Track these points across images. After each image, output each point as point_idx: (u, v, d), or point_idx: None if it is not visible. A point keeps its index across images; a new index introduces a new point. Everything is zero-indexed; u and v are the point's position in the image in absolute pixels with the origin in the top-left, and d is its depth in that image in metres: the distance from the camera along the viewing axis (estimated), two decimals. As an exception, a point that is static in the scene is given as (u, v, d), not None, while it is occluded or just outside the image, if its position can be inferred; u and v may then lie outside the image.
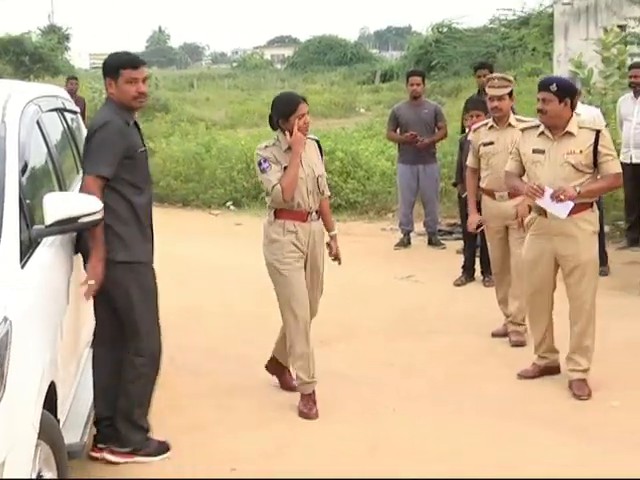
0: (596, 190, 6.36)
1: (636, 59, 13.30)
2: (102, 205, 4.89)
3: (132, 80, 5.24)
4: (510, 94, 7.61)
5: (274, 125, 6.13)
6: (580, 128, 6.19)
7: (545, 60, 30.85)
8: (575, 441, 5.60)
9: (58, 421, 4.47)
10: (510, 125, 7.53)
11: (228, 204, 14.22)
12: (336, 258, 6.48)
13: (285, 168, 6.00)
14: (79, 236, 5.19)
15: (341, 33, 56.96)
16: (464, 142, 9.02)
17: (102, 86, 12.39)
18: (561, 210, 6.01)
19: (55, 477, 4.29)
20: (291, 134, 5.98)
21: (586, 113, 9.84)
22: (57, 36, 51.19)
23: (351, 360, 7.09)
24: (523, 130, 6.55)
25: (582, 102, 10.16)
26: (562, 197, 5.94)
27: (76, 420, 4.96)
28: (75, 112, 6.99)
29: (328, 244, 6.42)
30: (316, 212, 6.19)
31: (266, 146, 6.15)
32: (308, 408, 6.04)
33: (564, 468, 5.21)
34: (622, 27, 16.82)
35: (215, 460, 5.42)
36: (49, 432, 4.19)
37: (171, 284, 9.48)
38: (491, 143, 7.54)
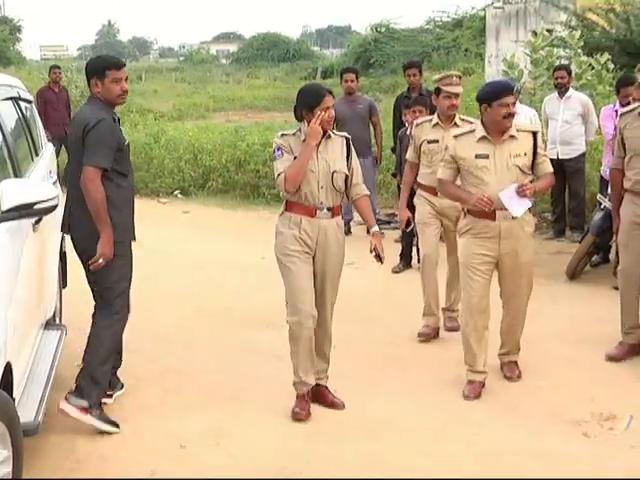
0: (543, 189, 6.33)
1: (562, 61, 13.48)
2: (57, 192, 4.85)
3: (117, 80, 5.50)
4: None
5: (298, 116, 5.75)
6: (518, 131, 5.92)
7: (477, 60, 31.13)
8: (506, 418, 5.70)
9: (13, 400, 4.43)
10: (455, 124, 7.24)
11: (176, 193, 14.14)
12: (376, 255, 5.76)
13: (296, 159, 5.62)
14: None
15: (284, 31, 57.02)
16: (403, 136, 9.04)
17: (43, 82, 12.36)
18: (519, 208, 5.75)
19: (10, 454, 4.27)
20: (324, 125, 5.59)
21: (525, 113, 10.02)
22: (9, 27, 50.40)
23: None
24: (456, 137, 6.06)
25: (520, 102, 10.32)
26: (527, 193, 5.71)
27: (31, 399, 4.91)
28: (29, 101, 6.90)
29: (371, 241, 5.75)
30: (329, 209, 5.65)
31: (283, 134, 5.81)
32: (300, 407, 5.66)
33: (498, 443, 5.31)
34: (550, 31, 17.02)
35: (165, 437, 5.41)
36: (5, 411, 4.18)
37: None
38: (436, 141, 7.23)
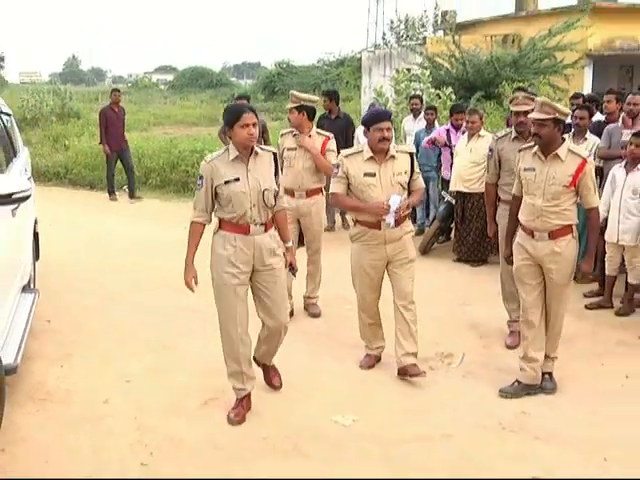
0: (417, 203, 5.67)
1: (417, 92, 13.67)
2: (31, 185, 4.74)
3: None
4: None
5: (224, 138, 4.83)
6: (398, 152, 5.28)
7: (355, 90, 31.18)
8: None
9: (-3, 346, 4.33)
10: (310, 137, 6.63)
11: (124, 187, 13.84)
12: (291, 269, 4.98)
13: (227, 182, 4.50)
14: None
15: (209, 65, 55.89)
16: None
17: (30, 97, 11.74)
18: (392, 221, 5.14)
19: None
20: (241, 144, 4.53)
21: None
22: (-6, 57, 48.55)
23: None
24: (347, 156, 5.32)
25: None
26: (402, 212, 5.17)
27: (11, 346, 4.77)
28: (9, 114, 6.69)
29: (284, 254, 4.85)
30: (262, 224, 4.63)
31: (212, 159, 4.61)
32: (234, 413, 4.68)
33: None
34: (408, 70, 17.21)
35: (114, 375, 5.34)
36: (-10, 354, 4.08)
37: (80, 246, 9.30)
38: (294, 149, 6.62)
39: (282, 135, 6.86)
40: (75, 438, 4.39)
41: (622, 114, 7.41)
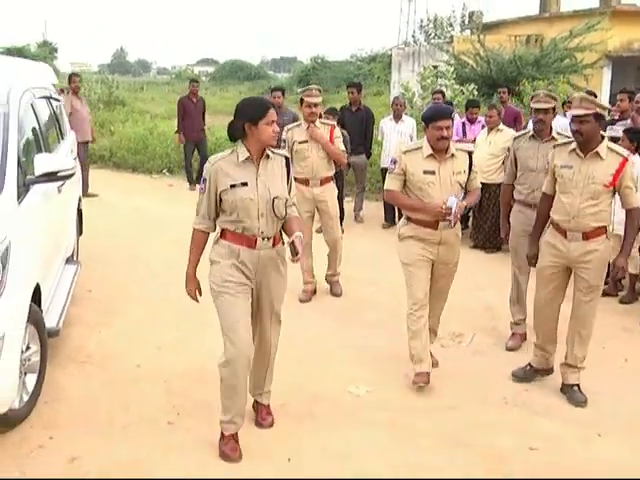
0: (473, 203, 5.13)
1: (442, 88, 13.65)
2: (75, 164, 4.86)
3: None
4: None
5: (238, 133, 3.88)
6: (457, 150, 4.80)
7: (385, 85, 31.10)
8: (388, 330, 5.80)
9: (41, 311, 4.47)
10: (317, 127, 6.56)
11: (164, 171, 14.00)
12: (292, 249, 3.78)
13: (233, 186, 3.80)
14: None
15: (248, 59, 56.10)
16: None
17: (80, 85, 11.72)
18: (452, 219, 4.67)
19: (38, 348, 4.33)
20: (262, 143, 3.84)
21: (408, 122, 10.09)
22: (48, 49, 48.98)
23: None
24: (405, 152, 4.79)
25: (405, 114, 10.42)
26: (459, 213, 4.69)
27: (54, 311, 4.93)
28: (58, 100, 6.83)
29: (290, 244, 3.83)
30: (269, 238, 3.91)
31: (216, 161, 3.89)
32: (229, 448, 3.94)
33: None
34: (435, 67, 17.18)
35: (146, 343, 5.47)
36: (35, 318, 4.23)
37: (121, 223, 9.47)
38: (305, 141, 6.51)
39: (288, 130, 6.64)
40: (109, 397, 4.53)
41: (632, 112, 7.39)
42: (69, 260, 6.11)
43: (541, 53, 15.85)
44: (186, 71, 55.81)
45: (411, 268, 4.88)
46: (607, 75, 17.35)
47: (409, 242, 4.87)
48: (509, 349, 5.66)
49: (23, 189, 4.37)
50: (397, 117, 9.99)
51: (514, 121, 9.65)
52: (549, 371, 5.06)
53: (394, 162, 4.83)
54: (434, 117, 4.67)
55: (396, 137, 9.87)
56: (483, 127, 8.78)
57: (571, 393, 4.81)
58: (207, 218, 3.96)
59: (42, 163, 4.53)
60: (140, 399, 4.53)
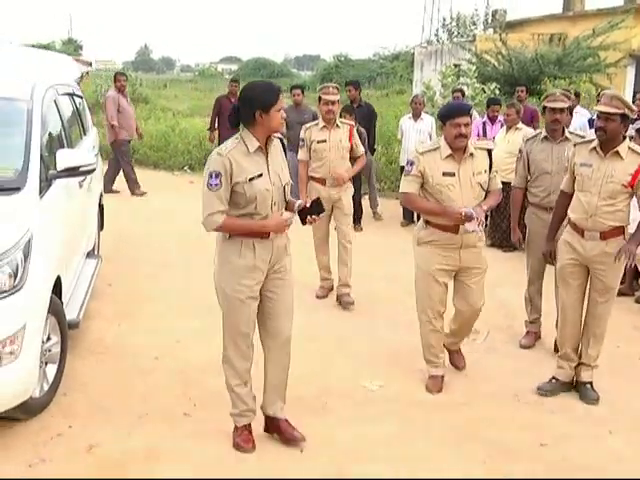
0: (493, 206, 4.86)
1: (464, 87, 13.65)
2: (96, 160, 4.97)
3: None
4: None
5: (246, 119, 3.64)
6: (476, 149, 4.61)
7: (407, 83, 31.10)
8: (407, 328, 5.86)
9: (62, 303, 4.57)
10: (337, 126, 6.47)
11: (185, 168, 14.14)
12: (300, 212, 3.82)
13: (251, 179, 3.60)
14: None
15: (271, 56, 56.24)
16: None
17: (104, 82, 11.92)
18: (474, 226, 4.47)
19: (59, 339, 4.44)
20: (271, 130, 3.67)
21: (428, 119, 10.13)
22: (73, 46, 49.53)
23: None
24: (422, 153, 4.60)
25: (425, 112, 10.45)
26: (481, 216, 4.49)
27: (75, 303, 5.04)
28: (81, 97, 6.95)
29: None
30: None
31: (220, 152, 3.61)
32: (242, 439, 3.97)
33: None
34: (457, 65, 17.16)
35: (165, 335, 5.56)
36: (56, 309, 4.34)
37: (142, 220, 9.60)
38: (324, 141, 6.42)
39: (307, 129, 6.53)
40: (127, 388, 4.63)
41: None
42: (90, 254, 6.23)
43: (564, 52, 15.80)
44: (209, 69, 56.15)
45: (429, 279, 4.69)
46: (631, 74, 17.22)
47: (428, 248, 4.67)
48: (522, 347, 5.67)
49: (45, 184, 4.49)
50: (416, 115, 10.04)
51: (531, 120, 9.63)
52: (573, 385, 4.92)
53: (411, 163, 4.63)
54: (451, 114, 4.51)
55: (415, 135, 9.93)
56: (502, 126, 8.80)
57: (584, 391, 4.81)
58: (224, 206, 3.64)
59: (64, 158, 4.65)
60: (157, 390, 4.63)
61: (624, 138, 4.51)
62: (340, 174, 6.40)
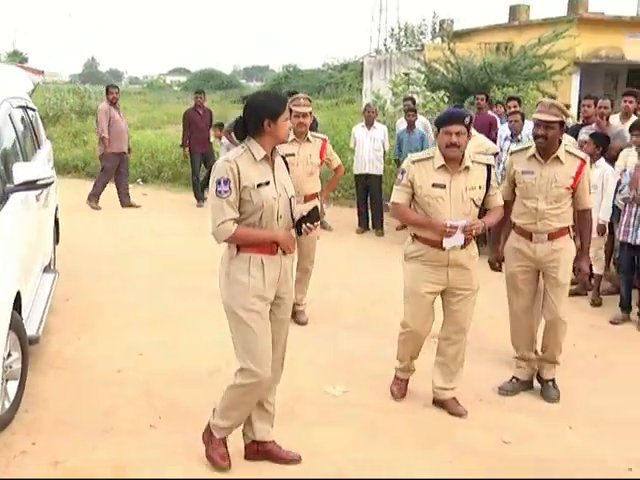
0: (493, 224, 4.60)
1: (414, 95, 13.83)
2: (53, 173, 4.92)
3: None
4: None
5: (252, 131, 3.55)
6: (473, 162, 4.37)
7: (357, 93, 31.33)
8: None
9: (22, 318, 4.51)
10: (308, 140, 6.16)
11: (138, 180, 14.01)
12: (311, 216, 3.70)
13: (259, 185, 3.49)
14: None
15: (220, 67, 56.13)
16: None
17: (52, 96, 11.74)
18: (459, 241, 4.28)
19: (20, 355, 4.37)
20: (278, 140, 3.60)
21: (381, 128, 10.23)
22: (19, 58, 48.68)
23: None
24: (414, 162, 4.40)
25: (378, 120, 10.57)
26: (474, 233, 4.29)
27: (34, 319, 4.96)
28: (34, 109, 6.86)
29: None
30: None
31: (227, 160, 3.50)
32: (219, 455, 3.83)
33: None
34: (407, 74, 17.38)
35: (126, 348, 5.52)
36: (16, 325, 4.27)
37: (96, 232, 9.50)
38: (292, 155, 5.67)
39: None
40: (90, 402, 4.57)
41: (596, 117, 7.67)
42: (47, 269, 6.14)
43: (511, 60, 16.09)
44: (158, 80, 55.73)
45: (414, 298, 4.52)
46: (576, 81, 17.68)
47: (415, 265, 4.47)
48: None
49: (2, 197, 4.43)
50: (369, 124, 10.17)
51: (489, 127, 9.81)
52: (533, 383, 5.03)
53: (402, 172, 4.46)
54: (445, 121, 4.31)
55: (369, 144, 10.05)
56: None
57: (546, 388, 4.91)
58: (236, 213, 3.50)
59: (21, 172, 4.58)
60: (121, 403, 4.58)
61: (560, 142, 4.68)
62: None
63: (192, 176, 12.25)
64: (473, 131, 8.41)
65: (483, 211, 4.51)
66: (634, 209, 6.33)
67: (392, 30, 30.37)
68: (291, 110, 5.96)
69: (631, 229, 6.36)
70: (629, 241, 6.40)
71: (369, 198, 10.29)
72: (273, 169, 3.63)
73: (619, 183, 6.72)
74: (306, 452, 4.02)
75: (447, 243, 4.29)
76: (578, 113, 8.88)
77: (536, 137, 4.63)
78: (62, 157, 14.89)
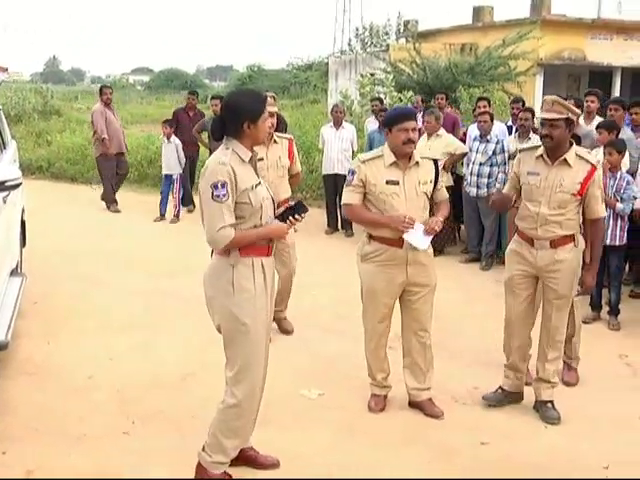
0: (446, 216, 4.56)
1: (381, 95, 13.87)
2: (20, 174, 4.82)
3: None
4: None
5: (232, 133, 3.44)
6: (422, 158, 4.38)
7: (322, 93, 31.34)
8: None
9: (-11, 324, 4.41)
10: (275, 142, 5.81)
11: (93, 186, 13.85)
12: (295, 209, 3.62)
13: (255, 186, 3.43)
14: None
15: (183, 67, 55.71)
16: None
17: (14, 95, 11.52)
18: (425, 242, 4.29)
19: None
20: (258, 142, 3.53)
21: (349, 128, 10.22)
22: (-24, 57, 47.81)
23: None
24: (365, 161, 4.38)
25: (345, 120, 10.56)
26: (437, 228, 4.26)
27: (1, 325, 4.84)
28: (-3, 108, 6.73)
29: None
30: (271, 241, 3.57)
31: (222, 162, 3.34)
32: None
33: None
34: (372, 74, 17.43)
35: (97, 352, 5.42)
36: (-16, 330, 4.16)
37: (63, 233, 9.35)
38: (261, 159, 5.14)
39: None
40: (62, 408, 4.49)
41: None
42: (14, 272, 6.01)
43: (476, 61, 16.26)
44: (121, 80, 55.18)
45: (373, 297, 4.46)
46: (539, 82, 17.93)
47: (372, 266, 4.40)
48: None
49: (-31, 200, 4.32)
50: (337, 124, 10.15)
51: (452, 127, 9.86)
52: (521, 396, 4.79)
53: (352, 173, 4.42)
54: (399, 119, 4.28)
55: (338, 144, 10.03)
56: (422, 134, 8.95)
57: (545, 410, 4.59)
58: (233, 218, 3.37)
59: (-13, 174, 4.48)
60: (93, 409, 4.50)
61: (571, 144, 4.37)
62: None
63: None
64: (442, 131, 8.64)
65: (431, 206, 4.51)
66: None
67: (357, 30, 30.46)
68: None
69: None
70: None
71: (338, 198, 10.27)
72: (255, 170, 3.54)
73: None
74: (284, 456, 3.98)
75: (408, 238, 4.23)
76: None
77: (542, 137, 4.37)
78: (26, 157, 14.62)
